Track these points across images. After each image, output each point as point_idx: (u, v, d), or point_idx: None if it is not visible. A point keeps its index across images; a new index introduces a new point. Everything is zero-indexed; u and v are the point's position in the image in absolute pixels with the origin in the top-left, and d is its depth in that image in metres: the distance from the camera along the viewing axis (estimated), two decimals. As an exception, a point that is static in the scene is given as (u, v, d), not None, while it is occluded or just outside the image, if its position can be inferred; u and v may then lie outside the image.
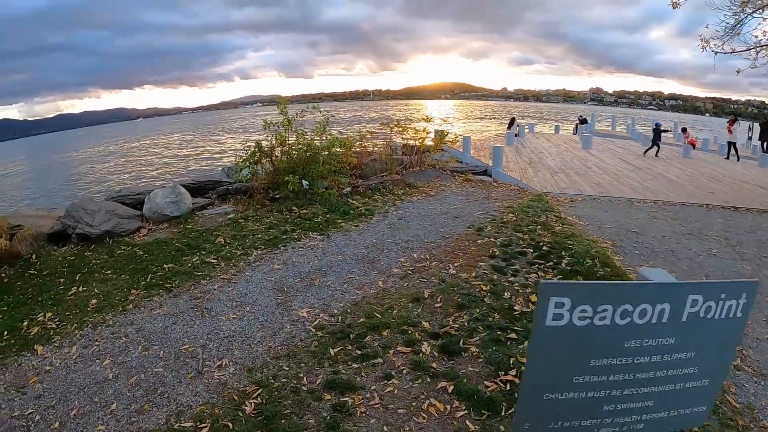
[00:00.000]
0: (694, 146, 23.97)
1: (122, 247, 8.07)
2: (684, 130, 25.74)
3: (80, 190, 28.00)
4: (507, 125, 29.40)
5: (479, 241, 8.02)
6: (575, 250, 7.29)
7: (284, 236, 8.29)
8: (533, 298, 5.79)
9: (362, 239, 8.25)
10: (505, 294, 5.99)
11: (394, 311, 5.62)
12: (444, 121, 16.12)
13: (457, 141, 17.10)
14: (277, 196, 10.37)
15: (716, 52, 13.07)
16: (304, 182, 10.26)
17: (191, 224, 9.13)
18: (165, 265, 7.15)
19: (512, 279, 6.49)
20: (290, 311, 5.70)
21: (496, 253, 7.42)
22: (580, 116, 36.32)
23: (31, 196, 28.77)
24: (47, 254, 7.99)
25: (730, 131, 22.15)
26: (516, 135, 25.46)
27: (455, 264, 7.09)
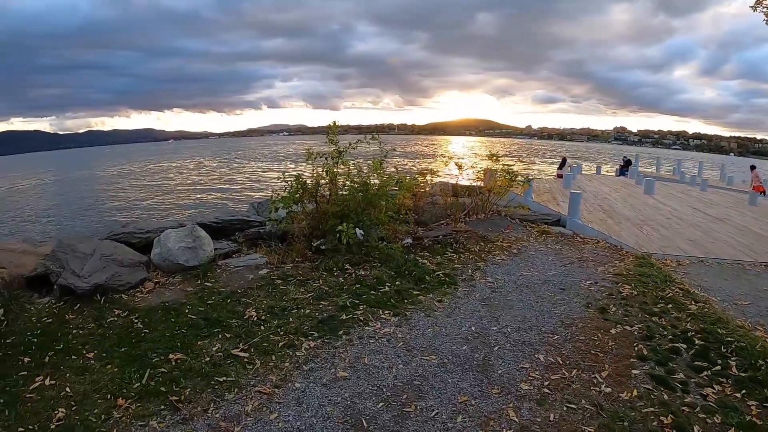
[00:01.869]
0: (764, 193, 21.64)
1: (116, 312, 5.85)
2: (753, 167, 23.55)
3: (88, 216, 25.68)
4: (558, 165, 27.35)
5: (612, 331, 5.84)
6: (737, 345, 5.43)
7: (343, 315, 5.93)
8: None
9: (455, 325, 5.90)
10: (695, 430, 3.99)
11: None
12: (519, 160, 13.66)
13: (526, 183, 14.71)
14: (323, 248, 8.06)
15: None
16: (359, 232, 7.97)
17: (212, 281, 6.88)
18: (171, 355, 4.84)
19: (687, 399, 4.48)
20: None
21: (644, 352, 5.30)
22: (625, 157, 34.13)
23: (33, 219, 26.49)
24: (20, 308, 5.92)
25: None
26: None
27: (602, 374, 4.86)
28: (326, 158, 8.63)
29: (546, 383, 4.65)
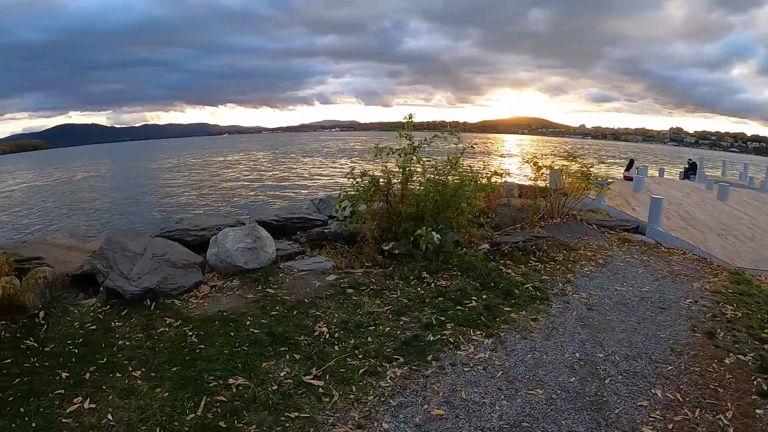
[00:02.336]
0: None
1: (167, 320, 5.17)
2: None
3: (141, 210, 24.92)
4: (625, 167, 25.92)
5: (726, 361, 4.93)
6: None
7: (429, 334, 5.07)
8: None
9: (557, 350, 5.01)
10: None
11: None
12: (600, 161, 12.48)
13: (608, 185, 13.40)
14: (396, 252, 7.22)
15: None
16: (436, 236, 7.11)
17: (274, 286, 6.13)
18: (231, 379, 4.08)
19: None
20: None
21: (764, 387, 4.45)
22: (690, 160, 32.17)
23: (84, 211, 25.77)
24: (62, 311, 5.34)
25: None
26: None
27: (726, 414, 4.01)
28: (399, 154, 7.78)
29: (670, 426, 3.79)
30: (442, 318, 5.41)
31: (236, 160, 63.28)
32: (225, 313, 5.29)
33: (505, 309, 5.80)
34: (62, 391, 3.91)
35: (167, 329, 4.96)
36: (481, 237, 8.61)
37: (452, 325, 5.29)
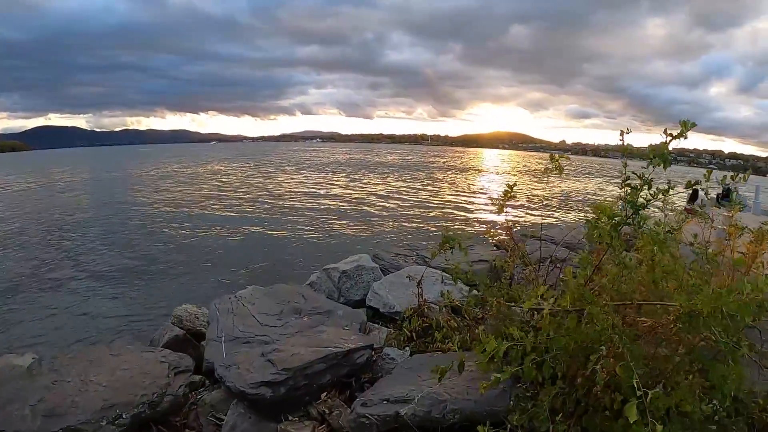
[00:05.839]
0: None
1: None
2: None
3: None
4: (688, 198, 21.11)
5: None
6: None
7: None
8: None
9: None
10: None
11: None
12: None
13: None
14: None
15: None
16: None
17: None
18: None
19: None
20: None
21: None
22: (725, 186, 26.96)
23: None
24: None
25: None
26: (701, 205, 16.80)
27: None
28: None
29: None
30: None
31: (222, 172, 50.66)
32: None
33: None
34: None
35: None
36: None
37: None
